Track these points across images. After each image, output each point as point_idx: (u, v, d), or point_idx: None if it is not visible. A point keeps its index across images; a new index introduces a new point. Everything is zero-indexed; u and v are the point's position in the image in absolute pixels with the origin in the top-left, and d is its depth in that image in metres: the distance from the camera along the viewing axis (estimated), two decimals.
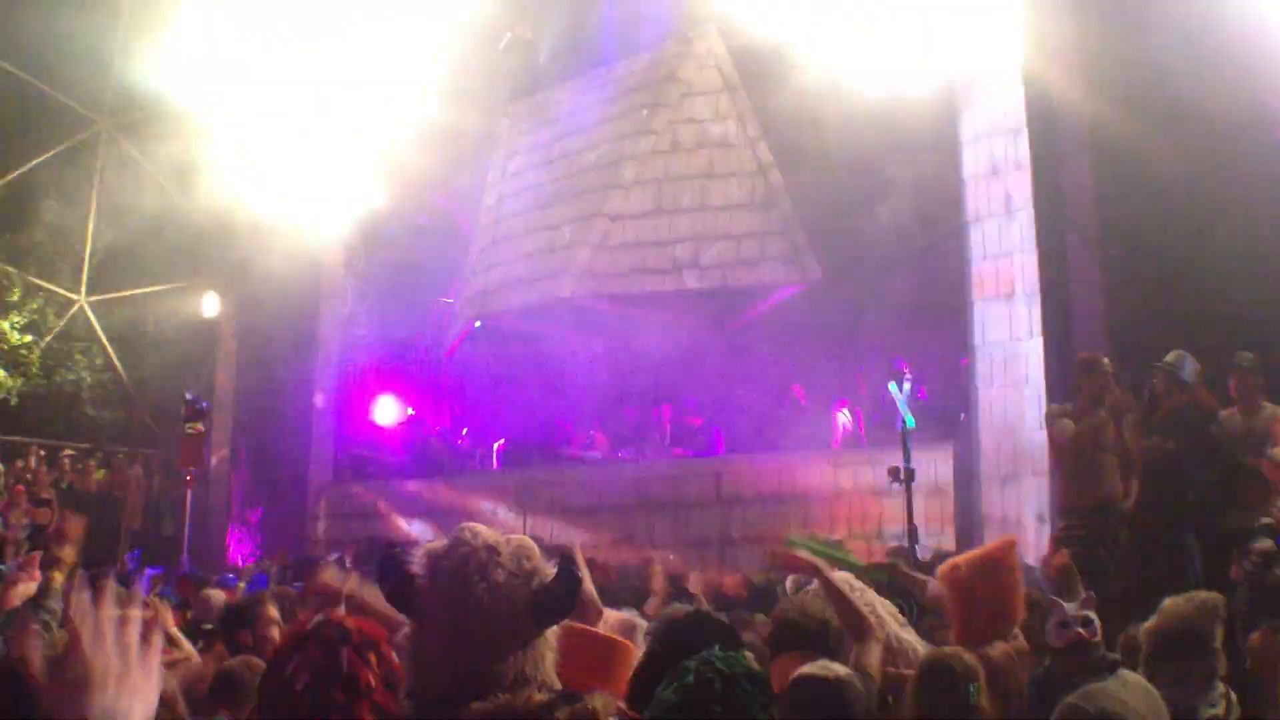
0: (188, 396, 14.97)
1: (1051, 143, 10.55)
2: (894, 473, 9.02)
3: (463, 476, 15.59)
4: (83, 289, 17.83)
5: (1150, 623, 4.14)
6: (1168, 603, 4.14)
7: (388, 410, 17.38)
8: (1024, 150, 10.59)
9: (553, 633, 2.31)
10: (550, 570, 2.32)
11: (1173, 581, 6.21)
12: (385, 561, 2.29)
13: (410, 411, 17.57)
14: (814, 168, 13.66)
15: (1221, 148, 8.85)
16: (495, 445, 16.25)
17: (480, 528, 2.32)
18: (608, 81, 15.23)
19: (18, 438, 16.74)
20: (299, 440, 16.92)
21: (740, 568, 11.35)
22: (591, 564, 10.34)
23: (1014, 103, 10.73)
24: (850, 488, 11.45)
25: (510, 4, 16.52)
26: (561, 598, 2.27)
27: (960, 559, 4.60)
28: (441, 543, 2.32)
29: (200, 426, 14.94)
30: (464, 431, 17.52)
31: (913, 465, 9.07)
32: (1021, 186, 10.59)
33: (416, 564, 2.27)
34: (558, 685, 2.25)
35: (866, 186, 15.07)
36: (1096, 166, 9.43)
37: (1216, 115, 8.87)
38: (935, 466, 10.69)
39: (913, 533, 8.48)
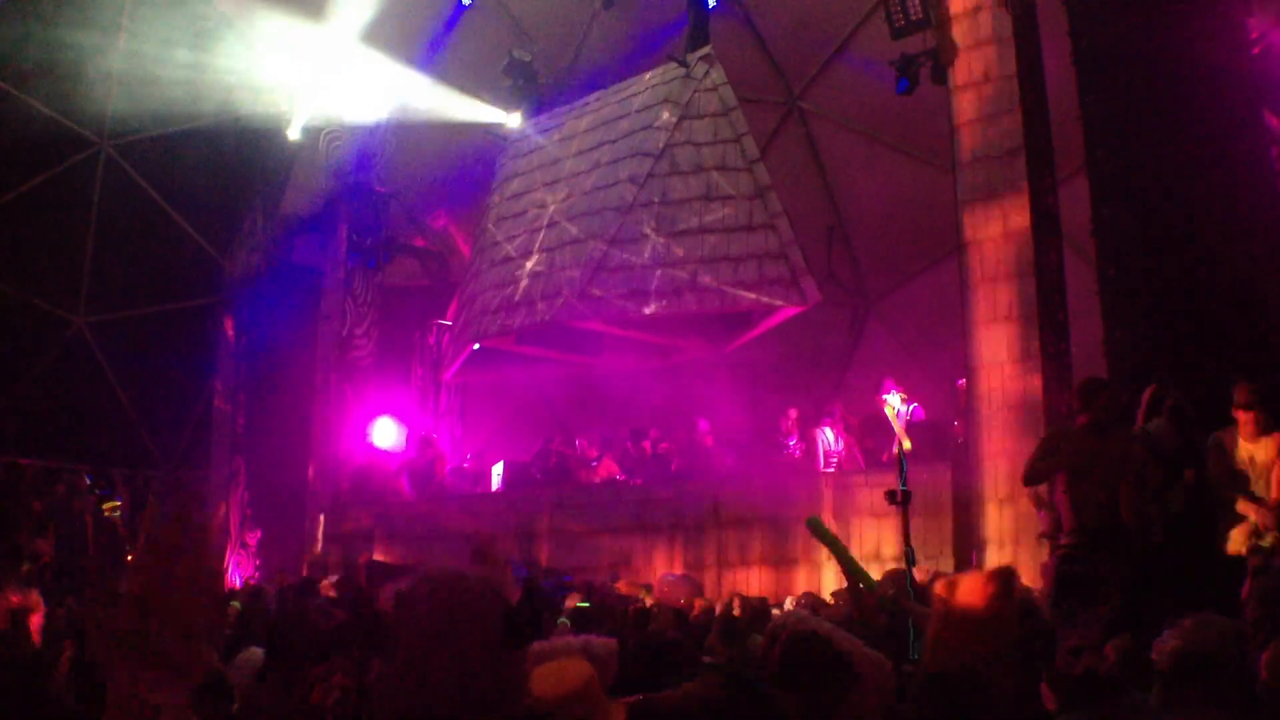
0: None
1: (1048, 164, 10.58)
2: (891, 494, 8.98)
3: (462, 499, 15.54)
4: (81, 309, 17.83)
5: (1170, 643, 4.03)
6: (1189, 623, 4.04)
7: (387, 433, 17.35)
8: (1021, 170, 10.62)
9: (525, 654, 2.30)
10: (515, 593, 2.31)
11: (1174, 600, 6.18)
12: (356, 599, 2.30)
13: (408, 433, 17.52)
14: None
15: (1220, 167, 8.86)
16: (495, 467, 16.22)
17: (444, 563, 2.33)
18: (605, 104, 15.27)
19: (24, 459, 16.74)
20: (298, 463, 16.91)
21: (738, 589, 11.34)
22: (589, 586, 10.35)
23: (1011, 125, 10.76)
24: (848, 509, 11.44)
25: (509, 27, 16.62)
26: (529, 620, 2.27)
27: (958, 576, 4.55)
28: (408, 579, 2.32)
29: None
30: (468, 457, 17.50)
31: (909, 487, 9.03)
32: (1019, 207, 10.61)
33: (385, 600, 2.28)
34: (530, 707, 2.24)
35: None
36: (1093, 187, 9.42)
37: (1214, 135, 8.89)
38: (933, 488, 10.68)
39: (910, 555, 8.43)
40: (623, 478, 14.67)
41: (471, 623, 2.19)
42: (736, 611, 9.58)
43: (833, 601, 10.08)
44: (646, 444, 15.02)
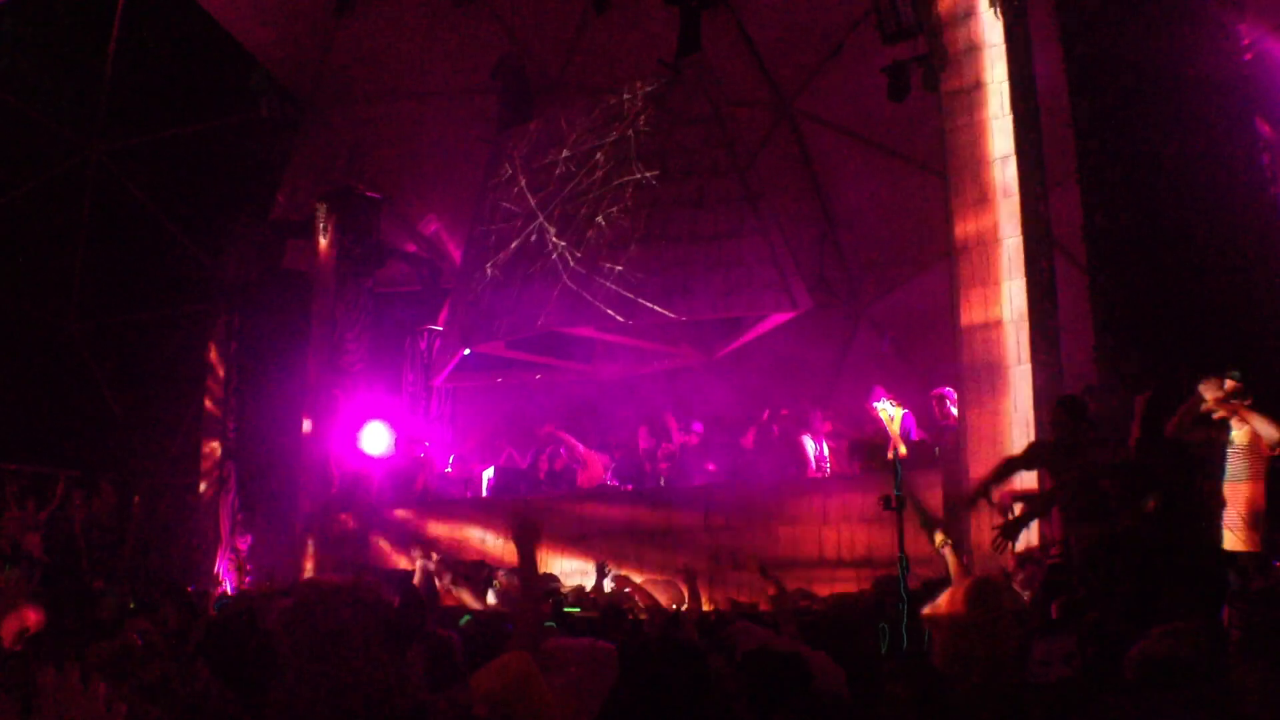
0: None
1: (1040, 170, 10.58)
2: (886, 500, 8.97)
3: (452, 504, 15.50)
4: (71, 315, 17.78)
5: (1135, 650, 4.06)
6: (1156, 631, 4.06)
7: (377, 438, 17.31)
8: (1012, 176, 10.62)
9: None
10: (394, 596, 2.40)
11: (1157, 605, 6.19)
12: (240, 625, 2.38)
13: (397, 438, 17.49)
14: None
15: (1211, 173, 8.88)
16: (485, 473, 16.18)
17: (323, 575, 2.44)
18: (597, 109, 15.26)
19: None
20: (288, 468, 16.87)
21: (730, 593, 11.32)
22: (579, 592, 10.30)
23: (1002, 131, 10.76)
24: (839, 515, 11.42)
25: (501, 32, 16.61)
26: (409, 618, 2.35)
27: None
28: (289, 597, 2.39)
29: None
30: (450, 459, 17.47)
31: (902, 493, 9.03)
32: (1010, 213, 10.60)
33: (272, 619, 2.33)
34: (426, 700, 2.33)
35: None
36: (1084, 193, 9.44)
37: (1206, 141, 8.91)
38: (925, 494, 10.66)
39: (902, 561, 8.41)
40: (615, 482, 14.65)
41: (353, 629, 2.27)
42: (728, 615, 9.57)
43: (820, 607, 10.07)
44: (639, 449, 15.00)
